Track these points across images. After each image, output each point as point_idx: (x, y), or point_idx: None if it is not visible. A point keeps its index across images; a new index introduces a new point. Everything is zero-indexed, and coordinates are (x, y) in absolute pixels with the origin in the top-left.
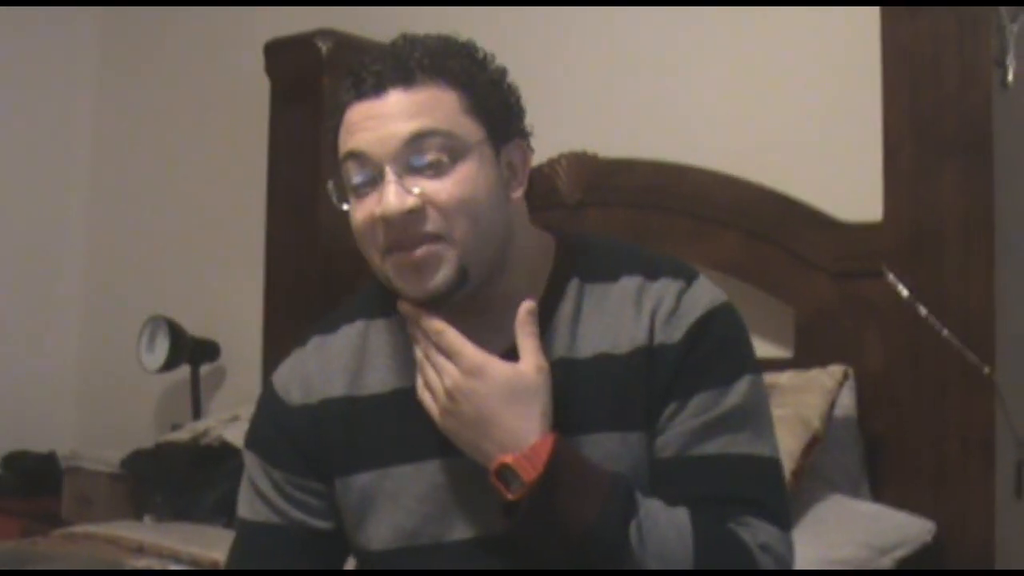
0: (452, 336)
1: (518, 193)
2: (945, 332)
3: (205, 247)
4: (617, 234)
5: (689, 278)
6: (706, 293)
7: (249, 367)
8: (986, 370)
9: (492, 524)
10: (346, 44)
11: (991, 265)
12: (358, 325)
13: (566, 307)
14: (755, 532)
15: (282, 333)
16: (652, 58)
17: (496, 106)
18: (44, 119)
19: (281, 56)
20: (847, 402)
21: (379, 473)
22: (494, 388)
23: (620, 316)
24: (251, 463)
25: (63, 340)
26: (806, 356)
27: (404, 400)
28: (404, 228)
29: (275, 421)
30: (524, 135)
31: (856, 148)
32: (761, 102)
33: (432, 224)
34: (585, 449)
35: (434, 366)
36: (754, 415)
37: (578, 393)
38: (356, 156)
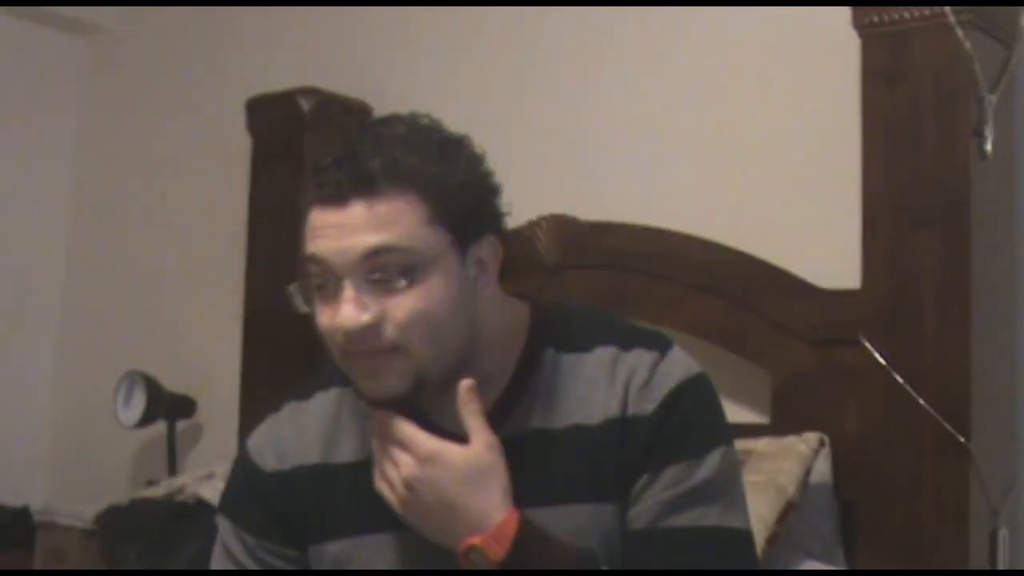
0: (403, 427)
1: (489, 288)
2: (921, 400)
3: (183, 302)
4: (596, 298)
5: (663, 349)
6: (680, 364)
7: (226, 424)
8: (961, 439)
9: None
10: (328, 102)
11: (968, 334)
12: (332, 393)
13: (542, 378)
14: None
15: (259, 390)
16: (633, 121)
17: (464, 208)
18: (21, 170)
19: (263, 113)
20: (823, 468)
21: (352, 541)
22: (450, 473)
23: (594, 387)
24: (224, 528)
25: (38, 393)
26: (782, 422)
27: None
28: (361, 340)
29: (249, 486)
30: (496, 228)
31: (835, 215)
32: (741, 168)
33: (388, 337)
34: (558, 520)
35: (389, 458)
36: (726, 487)
37: (552, 464)
38: (317, 262)
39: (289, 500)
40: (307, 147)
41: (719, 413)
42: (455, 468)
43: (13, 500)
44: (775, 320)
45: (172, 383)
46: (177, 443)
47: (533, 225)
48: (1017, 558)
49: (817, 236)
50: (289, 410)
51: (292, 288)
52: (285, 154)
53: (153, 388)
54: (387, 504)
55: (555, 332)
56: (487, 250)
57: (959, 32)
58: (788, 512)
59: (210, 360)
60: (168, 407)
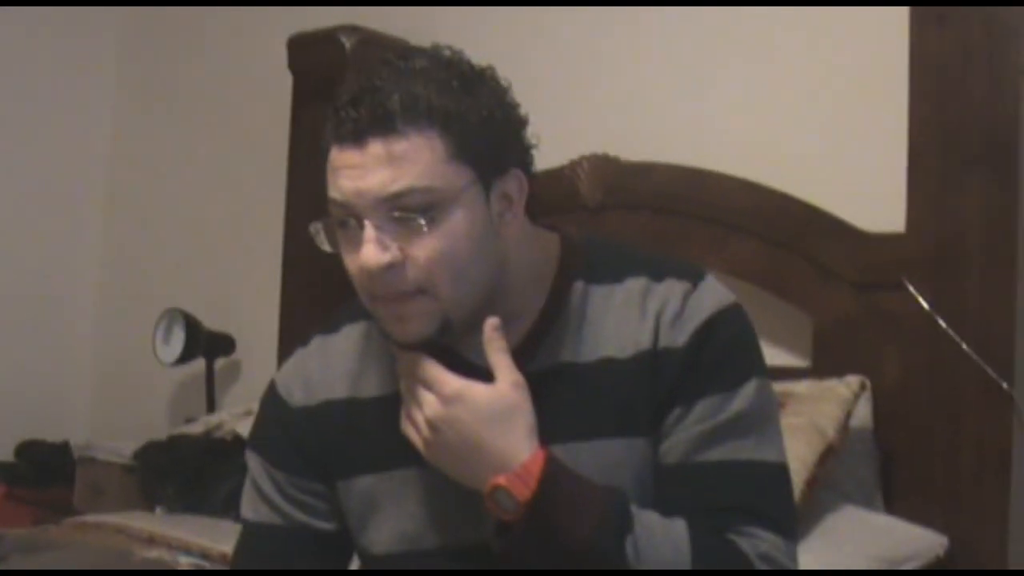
0: (428, 366)
1: (515, 224)
2: (964, 346)
3: (223, 241)
4: (638, 238)
5: (695, 279)
6: (712, 295)
7: (264, 362)
8: (1005, 385)
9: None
10: (370, 40)
11: (1013, 280)
12: (360, 326)
13: (571, 310)
14: (756, 542)
15: (298, 329)
16: (675, 62)
17: (487, 144)
18: (63, 111)
19: (304, 52)
20: (863, 413)
21: (381, 476)
22: (475, 412)
23: (625, 319)
24: (254, 464)
25: (79, 330)
26: (823, 366)
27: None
28: (384, 282)
29: (277, 422)
30: (522, 162)
31: (880, 158)
32: (785, 109)
33: (413, 279)
34: (589, 455)
35: (415, 399)
36: (760, 420)
37: (582, 398)
38: (338, 203)
39: (317, 435)
40: None
41: (753, 345)
42: (479, 407)
43: (54, 436)
44: (818, 263)
45: (211, 321)
46: (216, 381)
47: (575, 165)
48: None
49: (862, 178)
50: (316, 344)
51: (314, 227)
52: (327, 93)
53: (192, 326)
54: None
55: (584, 263)
56: (512, 185)
57: None
58: (828, 455)
59: (249, 298)
60: (207, 345)
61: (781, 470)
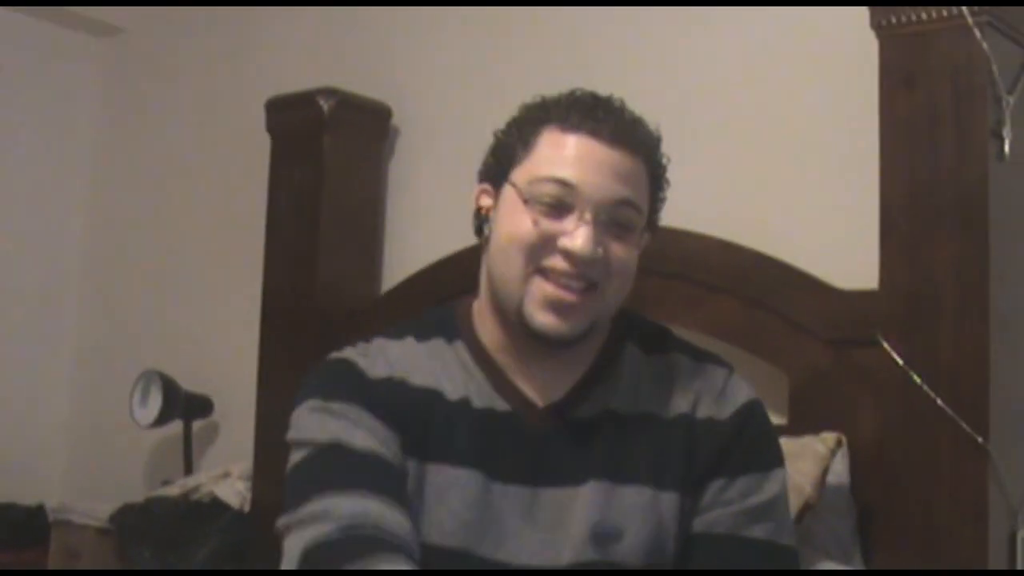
0: None
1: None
2: (939, 401)
3: (201, 302)
4: None
5: (731, 369)
6: (746, 384)
7: (242, 424)
8: (980, 439)
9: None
10: (347, 103)
11: (986, 335)
12: (434, 342)
13: (625, 368)
14: None
15: (276, 390)
16: (651, 121)
17: (658, 201)
18: (41, 170)
19: (282, 113)
20: (840, 469)
21: (452, 469)
22: None
23: (668, 386)
24: (341, 409)
25: (55, 391)
26: (800, 422)
27: (470, 412)
28: (583, 268)
29: (358, 388)
30: (657, 225)
31: (853, 215)
32: (759, 167)
33: (598, 276)
34: (622, 497)
35: None
36: (786, 505)
37: (623, 445)
38: (565, 184)
39: (398, 407)
40: (326, 148)
41: (776, 436)
42: None
43: (29, 498)
44: (792, 320)
45: (189, 382)
46: (193, 443)
47: None
48: None
49: (835, 236)
50: (382, 343)
51: (482, 191)
52: (304, 155)
53: (170, 387)
54: (471, 445)
55: (633, 331)
56: (646, 239)
57: (977, 33)
58: (805, 512)
59: (227, 360)
60: (185, 406)
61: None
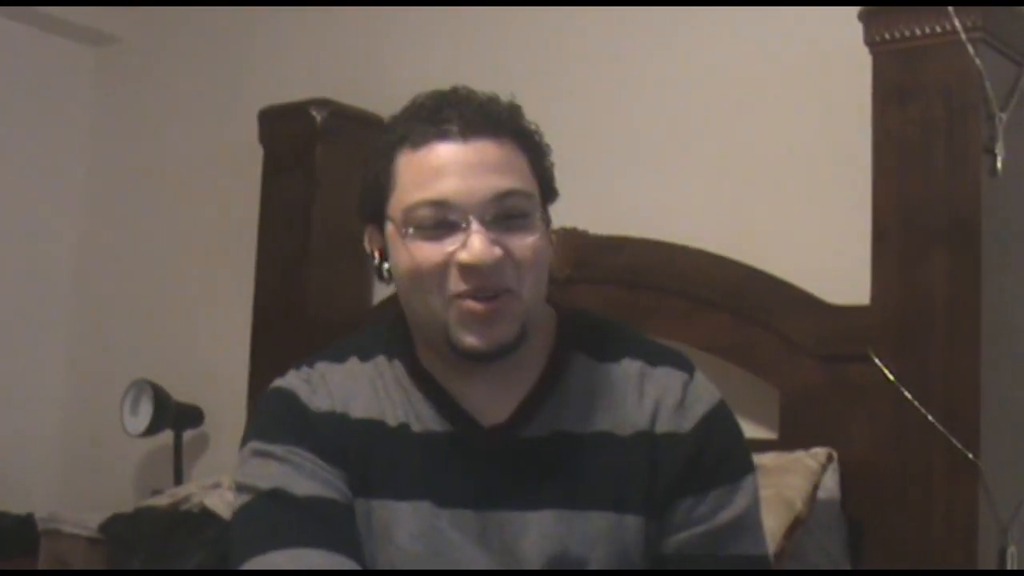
0: None
1: (551, 258)
2: (930, 417)
3: (192, 312)
4: (607, 312)
5: (690, 370)
6: (707, 387)
7: (233, 434)
8: (970, 455)
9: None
10: (341, 114)
11: (977, 351)
12: (376, 361)
13: (571, 382)
14: None
15: None
16: (644, 137)
17: (546, 171)
18: (33, 179)
19: (275, 124)
20: (831, 484)
21: (383, 504)
22: None
23: (622, 399)
24: (281, 452)
25: (46, 401)
26: (790, 438)
27: (411, 438)
28: (486, 277)
29: (300, 421)
30: (553, 200)
31: (845, 232)
32: (752, 183)
33: (508, 278)
34: (579, 525)
35: None
36: (758, 512)
37: (577, 468)
38: (436, 203)
39: (340, 441)
40: (319, 158)
41: (743, 438)
42: None
43: (18, 508)
44: (784, 336)
45: (180, 392)
46: (184, 453)
47: None
48: None
49: (827, 252)
50: (324, 367)
51: (368, 233)
52: (296, 165)
53: (161, 397)
54: (415, 474)
55: (583, 338)
56: (548, 217)
57: (970, 49)
58: (796, 527)
59: (218, 370)
60: (175, 416)
61: (769, 559)
